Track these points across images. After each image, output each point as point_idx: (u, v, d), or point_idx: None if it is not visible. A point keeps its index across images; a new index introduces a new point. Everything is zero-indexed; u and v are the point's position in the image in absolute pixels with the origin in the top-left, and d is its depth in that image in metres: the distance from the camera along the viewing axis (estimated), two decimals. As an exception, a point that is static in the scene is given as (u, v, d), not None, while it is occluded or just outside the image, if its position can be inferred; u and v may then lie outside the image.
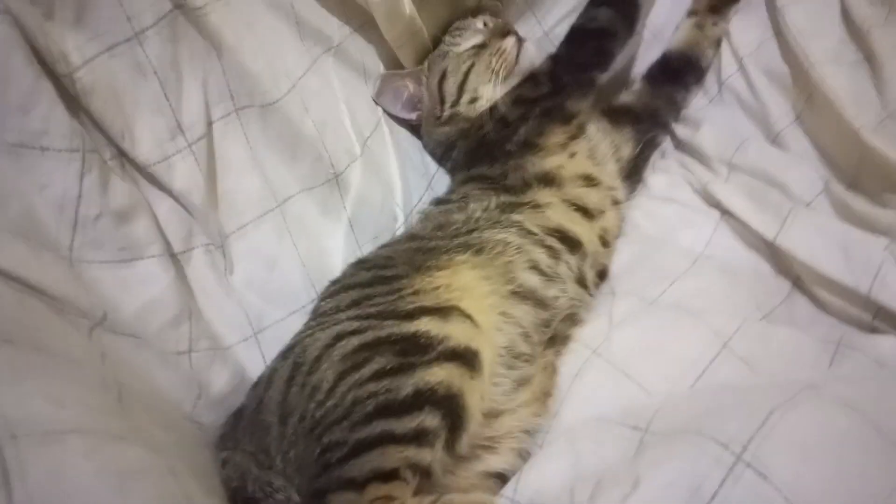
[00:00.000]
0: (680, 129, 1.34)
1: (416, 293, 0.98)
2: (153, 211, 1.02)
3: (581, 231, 1.16)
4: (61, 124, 0.90)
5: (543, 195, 1.17)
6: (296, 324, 1.08)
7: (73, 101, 0.94)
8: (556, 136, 1.23)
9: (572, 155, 1.23)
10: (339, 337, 0.93)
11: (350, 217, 1.20)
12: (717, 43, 1.34)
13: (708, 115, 1.31)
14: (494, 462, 0.95)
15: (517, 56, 1.31)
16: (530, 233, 1.11)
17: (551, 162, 1.21)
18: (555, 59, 1.28)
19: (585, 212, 1.18)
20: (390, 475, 0.83)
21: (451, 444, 0.88)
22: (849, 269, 0.99)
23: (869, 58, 1.17)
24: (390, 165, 1.29)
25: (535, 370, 1.02)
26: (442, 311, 0.94)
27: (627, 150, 1.31)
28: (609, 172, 1.26)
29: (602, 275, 1.19)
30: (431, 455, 0.85)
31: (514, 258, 1.07)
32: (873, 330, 0.97)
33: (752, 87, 1.26)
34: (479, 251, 1.06)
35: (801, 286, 1.08)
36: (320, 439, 0.86)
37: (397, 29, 1.30)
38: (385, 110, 1.33)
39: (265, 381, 0.98)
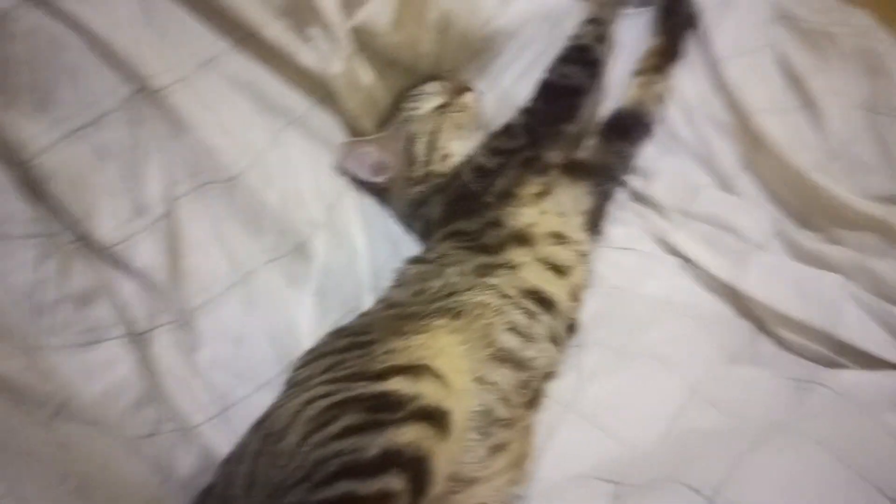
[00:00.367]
0: (634, 181, 1.38)
1: (388, 352, 0.96)
2: (115, 292, 1.01)
3: (555, 290, 1.16)
4: (19, 211, 0.90)
5: (518, 255, 1.18)
6: (264, 398, 1.05)
7: (31, 187, 0.94)
8: (532, 186, 1.27)
9: (543, 213, 1.26)
10: (307, 402, 0.90)
11: (317, 286, 1.20)
12: (663, 99, 1.40)
13: (660, 166, 1.35)
14: None
15: (478, 109, 1.38)
16: (507, 296, 1.12)
17: (525, 218, 1.23)
18: (529, 113, 1.32)
19: (557, 269, 1.20)
20: None
21: None
22: (806, 307, 1.01)
23: (808, 104, 1.22)
24: (355, 233, 1.30)
25: (513, 434, 0.99)
26: (413, 370, 0.92)
27: (585, 204, 1.34)
28: (574, 226, 1.29)
29: (571, 328, 1.19)
30: None
31: (492, 320, 1.06)
32: (835, 365, 0.98)
33: (700, 137, 1.31)
34: (457, 315, 1.05)
35: (764, 327, 1.09)
36: (274, 502, 0.82)
37: (357, 100, 1.34)
38: (350, 177, 1.35)
39: (236, 456, 0.95)
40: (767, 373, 0.97)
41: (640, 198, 1.37)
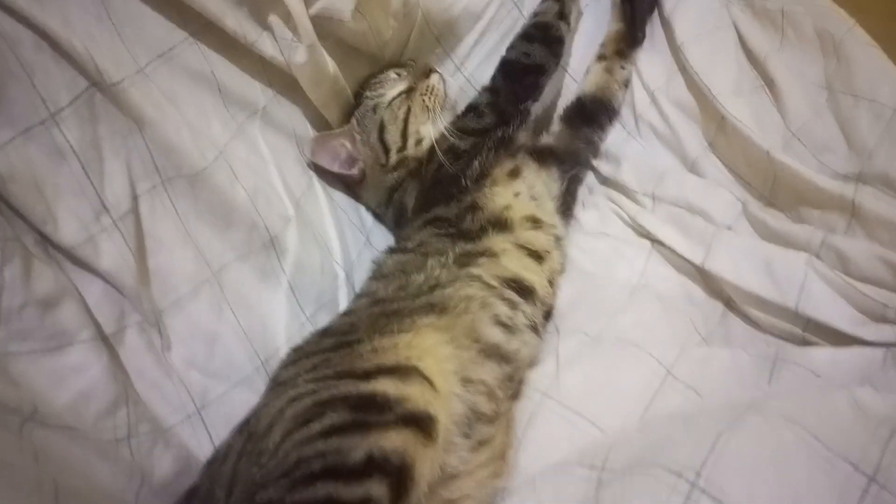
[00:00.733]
0: (603, 166, 1.40)
1: (374, 351, 0.95)
2: (81, 294, 0.98)
3: (534, 277, 1.18)
4: (-24, 215, 0.87)
5: (498, 241, 1.19)
6: (241, 395, 1.05)
7: (-13, 190, 0.91)
8: (505, 165, 1.29)
9: (517, 194, 1.27)
10: (292, 399, 0.89)
11: (290, 280, 1.18)
12: (627, 83, 1.42)
13: (627, 150, 1.36)
14: None
15: (444, 90, 1.38)
16: (490, 286, 1.12)
17: (500, 199, 1.24)
18: (493, 92, 1.33)
19: (536, 255, 1.21)
20: None
21: None
22: (774, 285, 1.04)
23: (768, 84, 1.25)
24: (326, 224, 1.28)
25: (496, 428, 1.00)
26: (401, 371, 0.91)
27: (555, 189, 1.35)
28: (548, 211, 1.30)
29: (547, 315, 1.21)
30: None
31: (477, 313, 1.06)
32: (806, 343, 1.01)
33: (665, 120, 1.33)
34: (442, 311, 1.05)
35: (733, 307, 1.12)
36: (252, 499, 0.80)
37: (322, 89, 1.32)
38: (322, 170, 1.34)
39: (220, 457, 0.94)
40: (740, 353, 1.00)
41: (609, 182, 1.38)
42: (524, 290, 1.15)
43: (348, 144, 1.36)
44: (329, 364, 0.95)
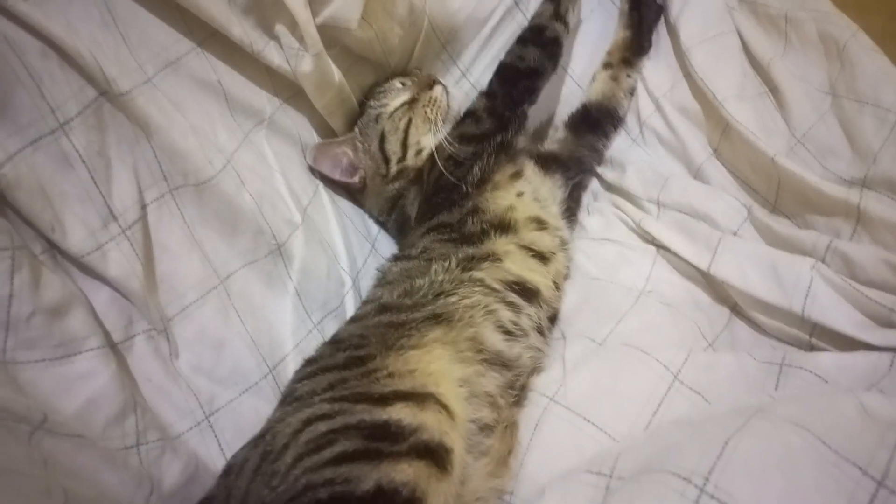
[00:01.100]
0: (607, 173, 1.40)
1: (390, 375, 0.94)
2: (89, 302, 0.98)
3: (539, 279, 1.18)
4: (-14, 223, 0.87)
5: (501, 243, 1.19)
6: (249, 402, 1.06)
7: (-2, 199, 0.92)
8: (506, 171, 1.28)
9: (520, 195, 1.27)
10: (307, 422, 0.88)
11: (296, 287, 1.19)
12: (632, 92, 1.42)
13: (632, 157, 1.37)
14: None
15: (448, 102, 1.37)
16: (493, 289, 1.12)
17: (503, 201, 1.24)
18: (490, 97, 1.32)
19: (541, 257, 1.21)
20: None
21: None
22: (781, 290, 1.04)
23: (772, 89, 1.25)
24: (332, 231, 1.29)
25: (497, 437, 0.99)
26: (418, 398, 0.89)
27: (559, 195, 1.35)
28: (553, 214, 1.30)
29: (553, 319, 1.21)
30: None
31: (481, 321, 1.06)
32: (812, 348, 1.01)
33: (670, 126, 1.33)
34: (448, 322, 1.04)
35: (739, 312, 1.12)
36: None
37: (327, 97, 1.33)
38: (326, 177, 1.34)
39: (236, 470, 0.93)
40: (746, 358, 1.00)
41: (613, 188, 1.39)
42: (528, 293, 1.15)
43: (350, 152, 1.36)
44: (346, 384, 0.94)
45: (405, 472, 0.79)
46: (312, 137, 1.35)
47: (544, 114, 1.52)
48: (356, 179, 1.38)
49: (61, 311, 0.93)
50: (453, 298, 1.08)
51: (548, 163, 1.37)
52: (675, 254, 1.20)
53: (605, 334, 1.11)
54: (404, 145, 1.35)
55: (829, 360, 0.95)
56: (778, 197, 1.17)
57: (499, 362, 1.04)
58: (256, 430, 1.00)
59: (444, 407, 0.90)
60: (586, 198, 1.42)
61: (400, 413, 0.85)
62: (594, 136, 1.42)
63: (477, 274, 1.14)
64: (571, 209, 1.38)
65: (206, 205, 1.12)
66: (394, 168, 1.35)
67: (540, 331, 1.14)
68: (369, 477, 0.78)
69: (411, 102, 1.36)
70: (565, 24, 1.36)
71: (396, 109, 1.36)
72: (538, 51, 1.31)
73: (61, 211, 0.97)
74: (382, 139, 1.35)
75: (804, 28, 1.26)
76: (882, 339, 0.96)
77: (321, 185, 1.33)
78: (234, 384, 1.08)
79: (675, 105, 1.33)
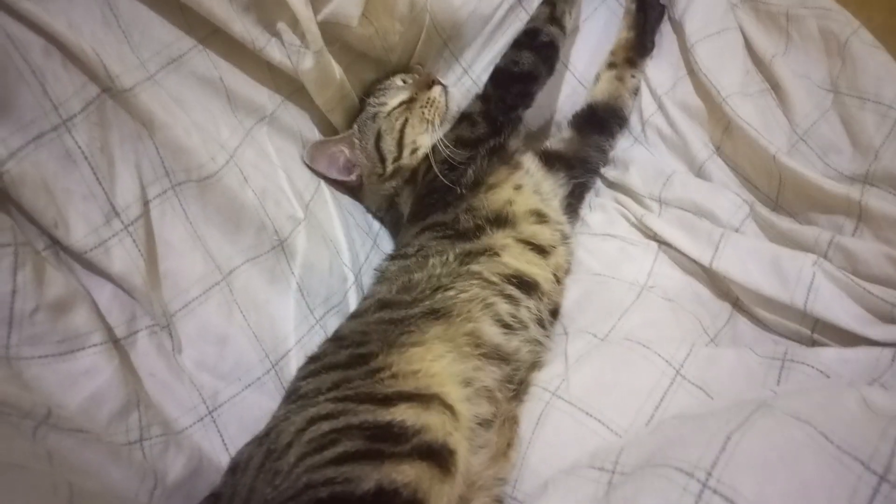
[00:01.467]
0: (610, 171, 1.41)
1: (394, 376, 0.94)
2: (93, 298, 0.99)
3: (537, 271, 1.17)
4: (-10, 220, 0.87)
5: (498, 238, 1.19)
6: (252, 397, 1.06)
7: (0, 195, 0.91)
8: (501, 173, 1.28)
9: (518, 188, 1.26)
10: (311, 421, 0.88)
11: (299, 282, 1.19)
12: (636, 91, 1.42)
13: (634, 155, 1.37)
14: None
15: (446, 102, 1.36)
16: (490, 282, 1.12)
17: (501, 197, 1.23)
18: (485, 100, 1.31)
19: (540, 250, 1.20)
20: None
21: None
22: (783, 286, 1.04)
23: (774, 86, 1.25)
24: (334, 227, 1.29)
25: (495, 431, 0.99)
26: (422, 399, 0.89)
27: (562, 192, 1.35)
28: (554, 208, 1.30)
29: (554, 313, 1.21)
30: None
31: (479, 315, 1.06)
32: (814, 343, 1.02)
33: (672, 124, 1.33)
34: (446, 317, 1.04)
35: (741, 307, 1.12)
36: None
37: (328, 94, 1.33)
38: (322, 176, 1.34)
39: (242, 467, 0.94)
40: (748, 353, 1.00)
41: (615, 186, 1.39)
42: (527, 285, 1.15)
43: (346, 151, 1.36)
44: (350, 384, 0.94)
45: (406, 473, 0.79)
46: (314, 134, 1.35)
47: (547, 112, 1.52)
48: (353, 178, 1.38)
49: (64, 307, 0.93)
50: (451, 293, 1.08)
51: (552, 160, 1.37)
52: (677, 249, 1.20)
53: (607, 330, 1.11)
54: (400, 144, 1.34)
55: (830, 355, 0.96)
56: (780, 194, 1.17)
57: (497, 356, 1.04)
58: (260, 426, 1.01)
59: (449, 408, 0.90)
60: (589, 195, 1.42)
61: (403, 414, 0.85)
62: (601, 136, 1.42)
63: (475, 267, 1.14)
64: (573, 206, 1.38)
65: (209, 201, 1.12)
66: (390, 167, 1.35)
67: (541, 323, 1.14)
68: (370, 477, 0.78)
69: (409, 102, 1.36)
70: (561, 27, 1.34)
71: (394, 109, 1.36)
72: (532, 55, 1.29)
73: (64, 207, 0.97)
74: (379, 138, 1.35)
75: (805, 25, 1.26)
76: (884, 335, 0.96)
77: (323, 182, 1.33)
78: (237, 379, 1.09)
79: (677, 103, 1.33)
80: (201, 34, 1.16)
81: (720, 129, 1.26)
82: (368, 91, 1.43)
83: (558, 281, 1.23)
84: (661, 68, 1.38)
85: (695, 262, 1.17)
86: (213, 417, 1.05)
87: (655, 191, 1.29)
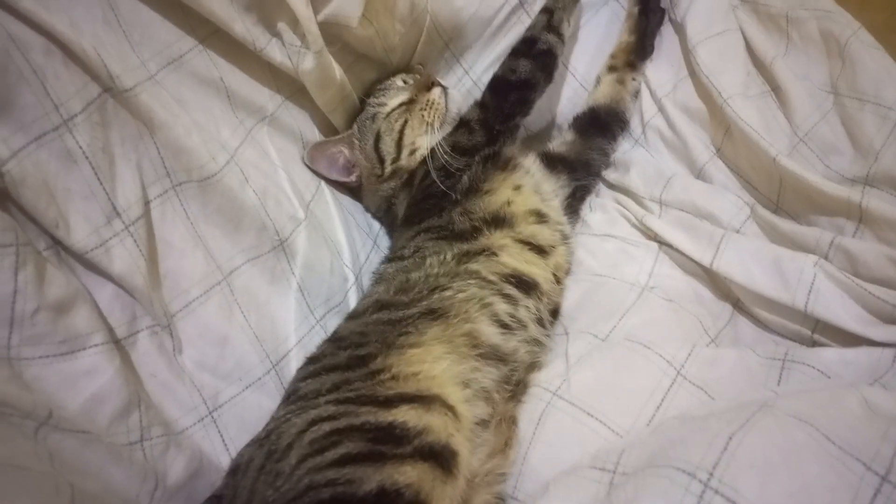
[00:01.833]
0: (611, 174, 1.41)
1: (394, 378, 0.93)
2: (93, 298, 0.99)
3: (536, 271, 1.17)
4: (-8, 220, 0.87)
5: (496, 238, 1.18)
6: (253, 398, 1.06)
7: (2, 195, 0.91)
8: (497, 179, 1.27)
9: (517, 188, 1.26)
10: (312, 422, 0.88)
11: (299, 283, 1.19)
12: (637, 94, 1.43)
13: (634, 157, 1.37)
14: None
15: (446, 104, 1.36)
16: (489, 281, 1.12)
17: (498, 199, 1.23)
18: (483, 108, 1.31)
19: (540, 249, 1.20)
20: None
21: None
22: (784, 286, 1.05)
23: (774, 88, 1.25)
24: (335, 227, 1.29)
25: (491, 432, 0.99)
26: (424, 400, 0.89)
27: (563, 194, 1.36)
28: (555, 208, 1.30)
29: (555, 313, 1.21)
30: None
31: (476, 315, 1.06)
32: (815, 343, 1.02)
33: (672, 126, 1.34)
34: (444, 317, 1.04)
35: (742, 308, 1.13)
36: None
37: (328, 94, 1.33)
38: (321, 176, 1.34)
39: (243, 468, 0.94)
40: (749, 353, 1.00)
41: (616, 187, 1.39)
42: (525, 285, 1.14)
43: (346, 151, 1.36)
44: (350, 385, 0.94)
45: (408, 474, 0.79)
46: (314, 134, 1.35)
47: (548, 114, 1.52)
48: (353, 178, 1.38)
49: (65, 307, 0.93)
50: (448, 293, 1.08)
51: (554, 162, 1.37)
52: (677, 250, 1.20)
53: (607, 330, 1.11)
54: (399, 145, 1.34)
55: (831, 355, 0.96)
56: (780, 196, 1.17)
57: (495, 357, 1.04)
58: (260, 426, 1.01)
59: (451, 409, 0.90)
60: (590, 197, 1.42)
61: (405, 415, 0.85)
62: (603, 138, 1.42)
63: (472, 266, 1.13)
64: (574, 206, 1.38)
65: (210, 201, 1.12)
66: (388, 168, 1.35)
67: (540, 323, 1.14)
68: (372, 478, 0.77)
69: (409, 103, 1.36)
70: (559, 35, 1.33)
71: (393, 110, 1.35)
72: (530, 63, 1.29)
73: (65, 207, 0.97)
74: (378, 139, 1.35)
75: (805, 27, 1.26)
76: (885, 335, 0.96)
77: (323, 182, 1.33)
78: (237, 380, 1.08)
79: (678, 105, 1.33)
80: (202, 34, 1.16)
81: (721, 131, 1.26)
82: (369, 91, 1.43)
83: (558, 281, 1.22)
84: (661, 70, 1.38)
85: (695, 262, 1.17)
86: (213, 418, 1.04)
87: (656, 193, 1.29)
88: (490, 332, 1.06)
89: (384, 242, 1.39)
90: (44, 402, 0.85)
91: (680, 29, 1.37)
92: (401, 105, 1.36)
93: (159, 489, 0.92)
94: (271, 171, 1.22)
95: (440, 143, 1.28)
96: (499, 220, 1.21)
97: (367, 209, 1.44)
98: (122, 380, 0.95)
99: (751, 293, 1.08)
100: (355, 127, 1.39)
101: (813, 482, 0.69)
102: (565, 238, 1.27)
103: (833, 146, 1.15)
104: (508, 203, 1.23)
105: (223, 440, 1.03)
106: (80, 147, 0.99)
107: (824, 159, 1.14)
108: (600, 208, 1.38)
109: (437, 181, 1.25)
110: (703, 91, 1.28)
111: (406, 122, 1.34)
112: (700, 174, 1.29)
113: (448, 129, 1.34)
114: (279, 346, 1.13)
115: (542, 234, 1.22)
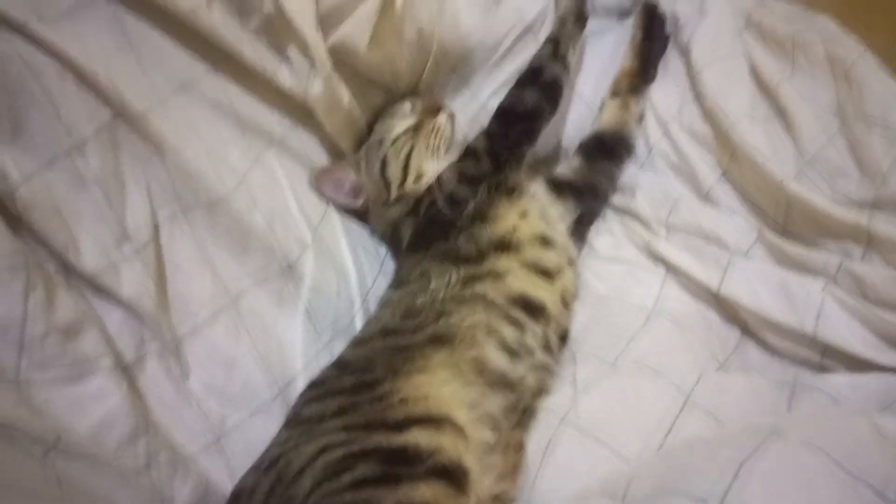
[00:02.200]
0: (616, 197, 1.40)
1: (403, 401, 0.94)
2: (102, 322, 0.99)
3: (544, 295, 1.17)
4: (1, 243, 0.88)
5: (502, 262, 1.18)
6: (259, 423, 1.05)
7: (11, 218, 0.92)
8: (503, 205, 1.27)
9: (523, 214, 1.26)
10: (324, 448, 0.89)
11: (307, 306, 1.19)
12: (642, 118, 1.42)
13: (640, 181, 1.37)
14: None
15: (452, 129, 1.37)
16: (495, 304, 1.11)
17: (504, 226, 1.23)
18: (489, 137, 1.30)
19: (546, 273, 1.20)
20: None
21: None
22: (791, 311, 1.04)
23: (781, 112, 1.25)
24: (342, 250, 1.29)
25: (498, 457, 0.99)
26: (434, 421, 0.90)
27: (569, 219, 1.35)
28: (561, 232, 1.30)
29: (563, 338, 1.20)
30: None
31: (483, 341, 1.06)
32: (823, 368, 1.01)
33: (678, 150, 1.33)
34: (450, 343, 1.04)
35: (750, 332, 1.12)
36: None
37: (336, 119, 1.34)
38: (328, 201, 1.34)
39: (247, 494, 0.93)
40: (758, 378, 1.00)
41: (622, 211, 1.39)
42: (533, 309, 1.14)
43: (352, 176, 1.37)
44: (358, 410, 0.95)
45: (424, 493, 0.80)
46: (323, 158, 1.36)
47: (554, 138, 1.52)
48: (359, 202, 1.38)
49: (75, 330, 0.94)
50: (454, 319, 1.08)
51: (561, 188, 1.37)
52: (684, 274, 1.20)
53: (616, 354, 1.11)
54: (405, 170, 1.34)
55: (841, 380, 0.95)
56: (787, 219, 1.17)
57: (501, 383, 1.04)
58: (267, 452, 1.01)
59: (460, 430, 0.91)
60: (597, 221, 1.42)
61: (417, 437, 0.86)
62: (610, 163, 1.42)
63: (479, 289, 1.13)
64: (581, 231, 1.37)
65: (218, 224, 1.12)
66: (394, 193, 1.35)
67: (548, 348, 1.13)
68: (388, 499, 0.79)
69: (415, 129, 1.36)
70: (565, 64, 1.34)
71: (399, 136, 1.36)
72: (536, 93, 1.29)
73: (75, 230, 0.98)
74: (384, 164, 1.35)
75: (811, 50, 1.26)
76: (894, 360, 0.96)
77: (331, 205, 1.33)
78: (244, 405, 1.08)
79: (683, 128, 1.34)
80: (213, 59, 1.16)
81: (727, 155, 1.26)
82: (376, 116, 1.44)
83: (566, 305, 1.22)
84: (667, 93, 1.38)
85: (703, 286, 1.17)
86: (220, 443, 1.04)
87: (662, 216, 1.29)
88: (497, 358, 1.05)
89: (391, 266, 1.39)
90: (52, 426, 0.85)
91: (685, 52, 1.37)
92: (407, 130, 1.36)
93: (166, 515, 0.92)
94: (279, 195, 1.23)
95: (446, 171, 1.28)
96: (504, 245, 1.20)
97: (374, 231, 1.44)
98: (130, 404, 0.95)
99: (759, 317, 1.08)
100: (362, 151, 1.39)
101: (825, 510, 0.68)
102: (571, 262, 1.27)
103: (840, 169, 1.15)
104: (514, 229, 1.23)
105: (230, 466, 1.03)
106: (91, 170, 1.00)
107: (831, 182, 1.14)
108: (607, 231, 1.38)
109: (445, 209, 1.25)
110: (710, 114, 1.29)
111: (413, 147, 1.35)
112: (706, 197, 1.29)
113: (454, 154, 1.34)
114: (286, 369, 1.13)
115: (549, 257, 1.22)
